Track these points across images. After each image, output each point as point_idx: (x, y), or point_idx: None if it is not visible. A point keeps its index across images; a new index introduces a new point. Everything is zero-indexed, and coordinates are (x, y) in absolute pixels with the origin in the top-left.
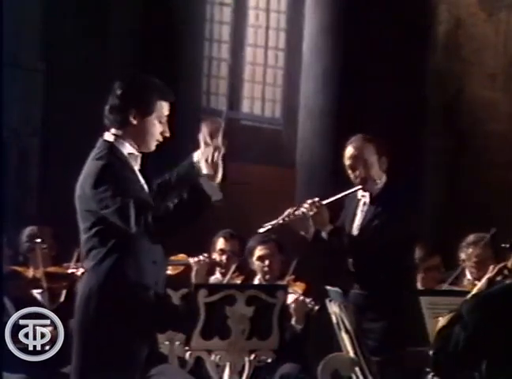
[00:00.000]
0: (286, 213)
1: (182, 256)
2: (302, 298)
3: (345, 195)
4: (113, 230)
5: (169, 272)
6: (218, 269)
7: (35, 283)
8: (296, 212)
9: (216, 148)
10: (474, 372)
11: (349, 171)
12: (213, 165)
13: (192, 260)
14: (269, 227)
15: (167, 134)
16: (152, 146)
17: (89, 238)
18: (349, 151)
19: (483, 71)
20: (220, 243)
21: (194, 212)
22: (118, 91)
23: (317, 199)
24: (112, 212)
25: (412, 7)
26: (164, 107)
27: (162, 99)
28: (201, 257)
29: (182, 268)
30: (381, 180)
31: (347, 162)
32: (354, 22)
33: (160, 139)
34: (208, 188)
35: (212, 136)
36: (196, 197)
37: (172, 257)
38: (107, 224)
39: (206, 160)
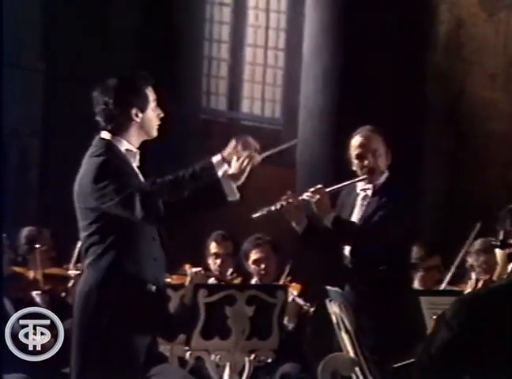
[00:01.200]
0: (285, 197)
1: (186, 266)
2: (292, 297)
3: (350, 183)
4: (112, 226)
5: (173, 281)
6: (215, 271)
7: (35, 284)
8: (298, 198)
9: (250, 156)
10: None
11: (356, 161)
12: (242, 168)
13: (189, 271)
14: (265, 212)
15: (163, 114)
16: (156, 132)
17: (89, 236)
18: (357, 140)
19: (483, 71)
20: (213, 247)
21: (207, 206)
22: (110, 98)
23: (320, 185)
24: (116, 204)
25: (412, 7)
26: (151, 93)
27: (148, 85)
28: (198, 269)
29: (185, 278)
30: (384, 173)
31: (355, 151)
32: (354, 22)
33: (159, 122)
34: (226, 187)
35: (246, 146)
36: (212, 193)
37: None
38: (107, 221)
39: (237, 160)
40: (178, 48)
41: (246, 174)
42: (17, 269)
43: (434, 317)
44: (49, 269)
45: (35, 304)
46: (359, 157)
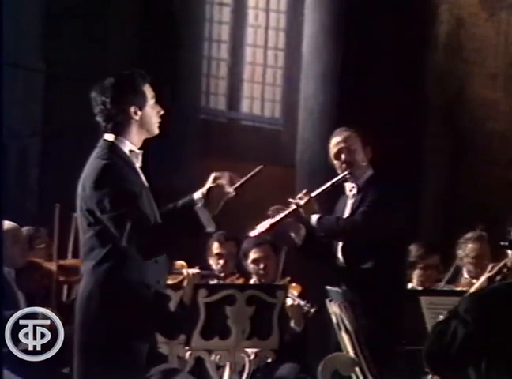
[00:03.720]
0: (274, 208)
1: (180, 263)
2: (297, 302)
3: (333, 183)
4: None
5: (169, 281)
6: (216, 271)
7: (49, 276)
8: (289, 208)
9: (226, 193)
10: (471, 370)
11: (335, 162)
12: (217, 204)
13: (185, 271)
14: (262, 229)
15: (163, 112)
16: (157, 129)
17: (90, 238)
18: (333, 141)
19: (483, 71)
20: (215, 247)
21: (187, 239)
22: (108, 97)
23: (305, 190)
24: (108, 218)
25: (412, 7)
26: (149, 90)
27: (146, 83)
28: (194, 271)
29: (181, 277)
30: (367, 170)
31: (332, 152)
32: (354, 22)
33: (159, 119)
34: (204, 218)
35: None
36: (191, 226)
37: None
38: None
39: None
40: (178, 48)
41: (220, 206)
42: (33, 260)
43: (441, 316)
44: (64, 260)
45: (48, 296)
46: (337, 155)
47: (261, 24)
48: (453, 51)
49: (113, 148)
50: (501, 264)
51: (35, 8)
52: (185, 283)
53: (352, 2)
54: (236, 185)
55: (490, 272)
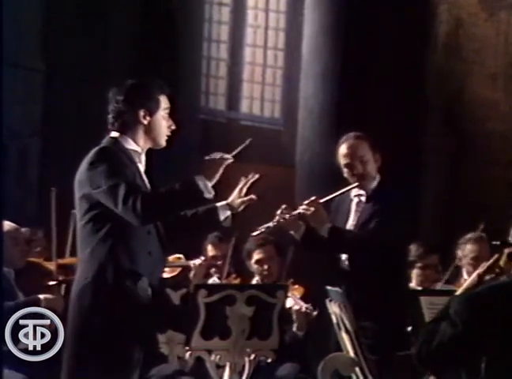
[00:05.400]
0: (280, 211)
1: (178, 256)
2: (304, 308)
3: (343, 192)
4: (107, 216)
5: (167, 274)
6: (214, 270)
7: (49, 275)
8: (293, 212)
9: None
10: (463, 372)
11: (345, 170)
12: (214, 171)
13: (192, 262)
14: (263, 229)
15: (174, 127)
16: (164, 142)
17: (84, 225)
18: (343, 149)
19: (483, 71)
20: (210, 250)
21: (184, 203)
22: (121, 96)
23: (313, 197)
24: (103, 191)
25: (412, 7)
26: (165, 101)
27: (162, 93)
28: (199, 261)
29: (179, 269)
30: (375, 178)
31: (343, 161)
32: (354, 22)
33: (169, 133)
34: (202, 184)
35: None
36: (188, 189)
37: (170, 258)
38: (101, 210)
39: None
40: (178, 48)
41: (219, 174)
42: (33, 260)
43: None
44: (63, 259)
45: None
46: (348, 166)
47: (260, 24)
48: (453, 51)
49: (115, 143)
50: (491, 261)
51: (35, 8)
52: (191, 276)
53: (351, 2)
54: (234, 153)
55: (481, 268)
